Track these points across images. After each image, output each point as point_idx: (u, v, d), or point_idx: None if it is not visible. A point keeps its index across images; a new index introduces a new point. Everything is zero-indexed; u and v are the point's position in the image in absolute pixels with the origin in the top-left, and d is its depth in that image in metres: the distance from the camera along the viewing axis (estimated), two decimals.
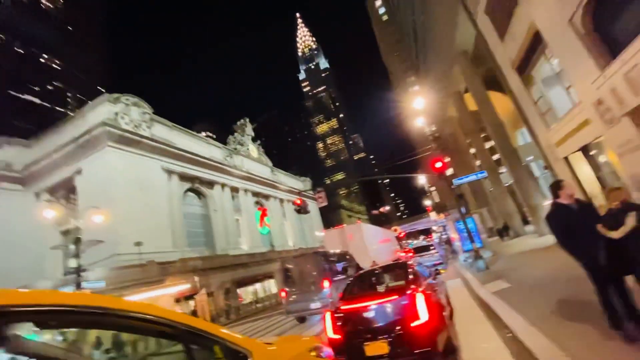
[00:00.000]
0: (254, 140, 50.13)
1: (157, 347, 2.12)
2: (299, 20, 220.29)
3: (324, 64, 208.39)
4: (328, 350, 2.67)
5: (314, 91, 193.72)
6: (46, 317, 1.15)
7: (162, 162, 28.99)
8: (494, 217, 25.61)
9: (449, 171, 53.97)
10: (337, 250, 12.34)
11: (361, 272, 5.96)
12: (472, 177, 11.14)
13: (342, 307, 4.38)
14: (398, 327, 3.85)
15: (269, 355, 1.97)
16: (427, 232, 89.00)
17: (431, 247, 20.19)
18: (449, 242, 27.53)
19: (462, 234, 12.89)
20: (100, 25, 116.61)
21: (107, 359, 3.06)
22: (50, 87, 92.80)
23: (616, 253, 3.17)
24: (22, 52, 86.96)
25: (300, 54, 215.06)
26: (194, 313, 22.61)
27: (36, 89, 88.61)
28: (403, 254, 28.80)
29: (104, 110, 26.06)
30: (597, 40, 6.46)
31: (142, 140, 27.19)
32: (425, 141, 59.45)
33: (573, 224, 3.38)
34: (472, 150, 25.42)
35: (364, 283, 5.43)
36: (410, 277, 4.71)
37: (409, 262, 5.45)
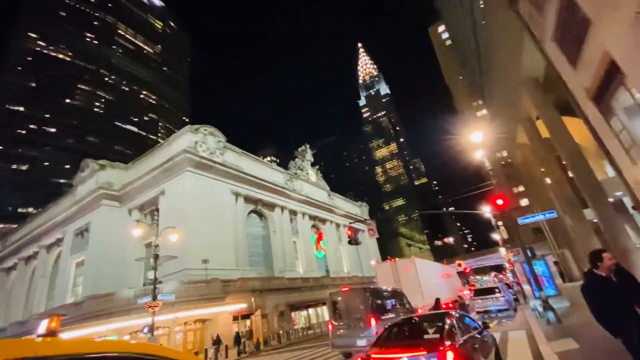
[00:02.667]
0: (312, 165, 51.90)
1: None
2: (361, 50, 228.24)
3: (384, 89, 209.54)
4: None
5: (374, 116, 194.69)
6: None
7: (231, 186, 31.55)
8: (577, 259, 22.14)
9: (524, 202, 49.10)
10: (388, 288, 11.88)
11: (398, 320, 5.80)
12: (539, 217, 9.89)
13: (373, 355, 4.42)
14: None
15: None
16: (499, 268, 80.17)
17: (496, 290, 18.21)
18: (519, 284, 24.50)
19: (530, 277, 11.36)
20: (186, 62, 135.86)
21: None
22: (146, 118, 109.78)
23: None
24: (126, 89, 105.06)
25: (361, 81, 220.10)
26: (250, 333, 23.37)
27: (135, 119, 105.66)
28: (467, 292, 26.11)
29: (186, 139, 29.73)
30: None
31: (216, 165, 30.08)
32: (494, 169, 55.02)
33: (609, 298, 3.14)
34: (548, 181, 22.79)
35: (400, 331, 5.31)
36: (447, 330, 4.48)
37: (451, 312, 5.17)
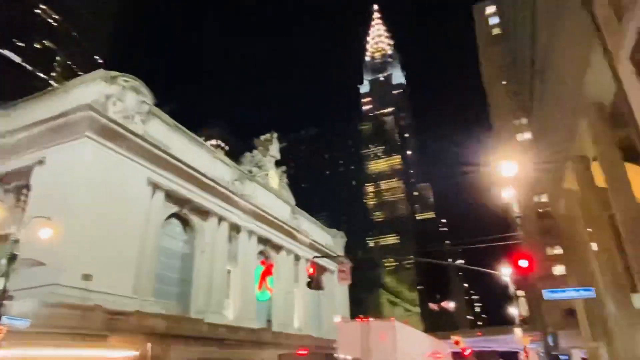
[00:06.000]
0: (278, 164, 51.96)
1: None
2: (375, 14, 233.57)
3: (398, 77, 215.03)
4: None
5: (377, 112, 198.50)
6: None
7: (149, 172, 30.86)
8: (617, 358, 23.42)
9: (558, 270, 51.27)
10: (350, 358, 11.96)
11: None
12: (572, 294, 10.46)
13: None
14: None
15: None
16: (513, 356, 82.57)
17: None
18: None
19: None
20: None
21: None
22: (38, 46, 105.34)
23: None
24: None
25: (368, 58, 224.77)
26: None
27: (20, 44, 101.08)
28: None
29: (94, 89, 28.75)
30: None
31: (131, 137, 29.27)
32: (525, 217, 57.42)
33: None
34: (594, 247, 24.08)
35: None
36: None
37: None
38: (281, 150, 53.27)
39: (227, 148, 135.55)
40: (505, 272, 20.69)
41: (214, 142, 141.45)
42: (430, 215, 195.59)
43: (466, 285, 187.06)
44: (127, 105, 30.13)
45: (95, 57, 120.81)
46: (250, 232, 41.63)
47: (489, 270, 19.12)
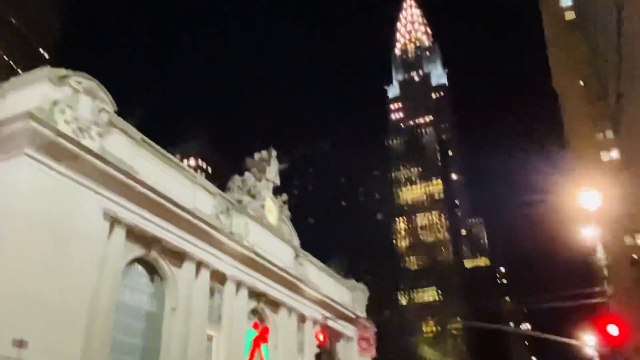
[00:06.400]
0: (277, 192, 51.89)
1: None
2: None
3: (438, 76, 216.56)
4: None
5: (410, 122, 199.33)
6: None
7: (107, 201, 30.75)
8: None
9: None
10: None
11: None
12: None
13: None
14: None
15: None
16: None
17: None
18: None
19: None
20: None
21: None
22: None
23: None
24: None
25: (398, 51, 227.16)
26: None
27: None
28: None
29: (38, 93, 28.71)
30: None
31: (84, 156, 29.18)
32: (615, 266, 56.24)
33: None
34: None
35: None
36: None
37: None
38: (282, 173, 52.86)
39: (210, 170, 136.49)
40: (588, 342, 20.14)
41: (193, 162, 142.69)
42: (484, 261, 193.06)
43: (534, 358, 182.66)
44: (80, 114, 30.06)
45: (39, 50, 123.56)
46: (239, 283, 41.15)
47: (565, 339, 18.63)
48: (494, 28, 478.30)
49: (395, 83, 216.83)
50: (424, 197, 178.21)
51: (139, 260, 34.15)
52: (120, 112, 32.99)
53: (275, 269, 45.10)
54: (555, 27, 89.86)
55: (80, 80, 30.93)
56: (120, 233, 31.50)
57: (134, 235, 32.77)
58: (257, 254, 42.69)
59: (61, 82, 29.91)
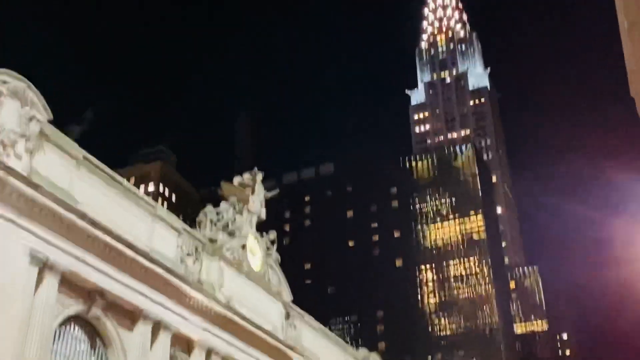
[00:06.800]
0: (263, 227, 51.65)
1: None
2: None
3: (478, 77, 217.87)
4: None
5: (440, 137, 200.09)
6: None
7: (35, 240, 30.57)
8: None
9: None
10: None
11: None
12: None
13: None
14: None
15: None
16: None
17: None
18: None
19: None
20: None
21: None
22: None
23: None
24: None
25: (425, 45, 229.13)
26: None
27: None
28: None
29: None
30: None
31: (7, 179, 29.08)
32: None
33: None
34: None
35: None
36: None
37: None
38: (270, 202, 52.76)
39: (174, 199, 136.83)
40: None
41: (152, 187, 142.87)
42: (540, 326, 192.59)
43: None
44: (3, 123, 29.99)
45: None
46: (211, 351, 39.81)
47: None
48: (550, 15, 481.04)
49: (420, 86, 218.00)
50: (459, 237, 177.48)
51: (77, 319, 32.55)
52: (56, 122, 32.29)
53: (259, 332, 43.92)
54: (635, 14, 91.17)
55: (5, 80, 30.12)
56: (52, 282, 30.34)
57: (71, 285, 31.44)
58: (234, 312, 41.57)
59: None
